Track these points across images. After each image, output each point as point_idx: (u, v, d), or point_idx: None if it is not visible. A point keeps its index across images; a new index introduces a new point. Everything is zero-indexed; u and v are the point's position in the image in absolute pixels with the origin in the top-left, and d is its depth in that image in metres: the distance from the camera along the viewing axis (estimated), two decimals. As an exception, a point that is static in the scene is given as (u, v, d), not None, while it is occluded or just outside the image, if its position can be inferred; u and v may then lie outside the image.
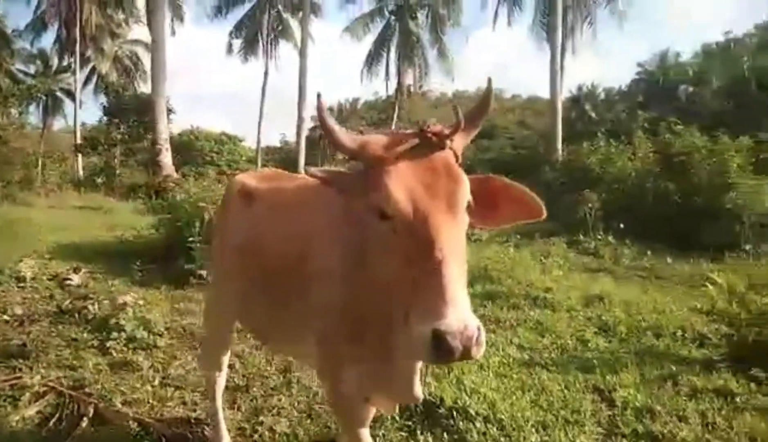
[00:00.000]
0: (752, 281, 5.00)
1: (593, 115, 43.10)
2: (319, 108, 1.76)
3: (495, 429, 3.54)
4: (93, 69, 36.74)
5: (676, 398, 3.94)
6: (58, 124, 41.39)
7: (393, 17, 31.51)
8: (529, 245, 9.95)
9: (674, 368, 4.46)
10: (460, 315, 1.44)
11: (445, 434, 3.46)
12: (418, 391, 2.15)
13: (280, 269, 2.35)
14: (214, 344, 3.49)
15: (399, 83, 31.61)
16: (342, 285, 2.05)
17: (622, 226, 10.94)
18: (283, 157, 42.63)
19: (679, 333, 5.44)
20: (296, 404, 4.01)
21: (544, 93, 27.89)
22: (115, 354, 4.82)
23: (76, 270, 7.08)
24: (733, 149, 11.23)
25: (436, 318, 1.43)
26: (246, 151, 35.27)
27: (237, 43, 33.30)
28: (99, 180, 21.83)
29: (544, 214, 1.83)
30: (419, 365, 2.11)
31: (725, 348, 4.73)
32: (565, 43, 22.88)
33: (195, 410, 3.96)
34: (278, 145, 46.28)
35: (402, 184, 1.61)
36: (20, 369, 4.39)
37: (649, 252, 9.99)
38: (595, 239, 10.83)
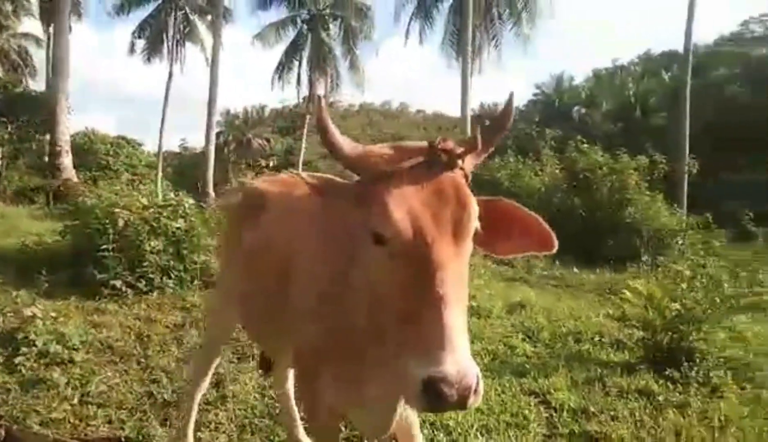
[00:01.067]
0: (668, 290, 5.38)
1: (494, 132, 45.08)
2: (319, 110, 1.61)
3: (442, 435, 3.59)
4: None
5: (605, 399, 4.18)
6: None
7: (305, 26, 31.38)
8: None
9: (600, 371, 4.72)
10: (458, 362, 1.30)
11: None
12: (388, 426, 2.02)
13: (272, 277, 2.27)
14: (211, 349, 3.46)
15: (310, 93, 31.42)
16: (321, 299, 1.95)
17: (532, 237, 11.42)
18: (184, 163, 41.09)
19: (597, 338, 5.78)
20: (234, 417, 3.86)
21: (448, 110, 28.87)
22: (24, 371, 4.41)
23: (-31, 280, 6.43)
24: (632, 168, 12.14)
25: (431, 363, 1.30)
26: (145, 156, 33.63)
27: (140, 43, 31.86)
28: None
29: (556, 247, 1.66)
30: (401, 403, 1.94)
31: (642, 351, 5.06)
32: (473, 62, 23.74)
33: (123, 429, 3.71)
34: (177, 150, 44.41)
35: (404, 206, 1.44)
36: None
37: (557, 262, 10.54)
38: (508, 250, 11.20)
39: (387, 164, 1.53)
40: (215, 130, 28.77)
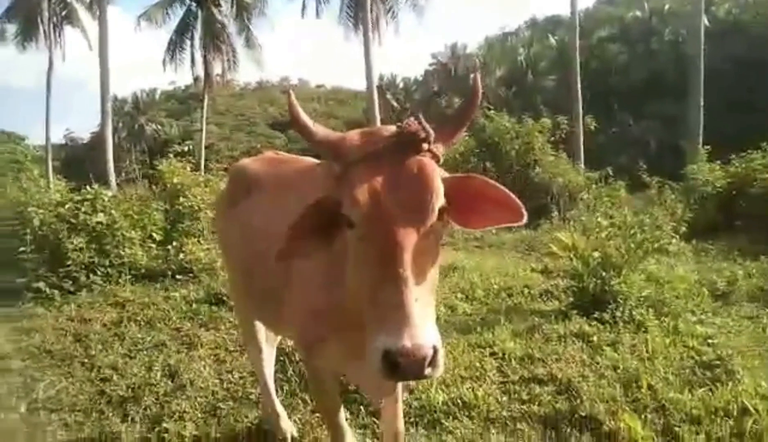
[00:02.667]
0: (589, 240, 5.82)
1: (395, 104, 45.67)
2: (291, 104, 1.70)
3: (405, 393, 3.77)
4: None
5: (547, 344, 4.53)
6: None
7: (194, 4, 30.02)
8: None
9: (536, 320, 5.08)
10: (414, 336, 1.39)
11: (361, 407, 3.60)
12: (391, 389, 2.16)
13: (269, 255, 2.31)
14: (244, 325, 3.53)
15: (206, 73, 30.22)
16: (316, 276, 2.05)
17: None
18: (71, 155, 38.55)
19: (527, 291, 6.18)
20: (197, 405, 3.85)
21: (348, 83, 28.79)
22: (-41, 386, 4.18)
23: None
24: (536, 130, 12.81)
25: (388, 337, 1.40)
26: (30, 150, 31.28)
27: (11, 28, 29.21)
28: None
29: (525, 218, 1.70)
30: None
31: (571, 298, 5.48)
32: (372, 34, 23.78)
33: (83, 430, 3.63)
34: (63, 142, 41.49)
35: (368, 190, 1.53)
36: None
37: (475, 225, 10.96)
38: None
39: (358, 150, 1.62)
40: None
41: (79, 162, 32.69)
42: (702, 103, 20.17)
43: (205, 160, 29.93)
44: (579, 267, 5.41)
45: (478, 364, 4.22)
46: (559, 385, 3.86)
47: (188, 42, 30.18)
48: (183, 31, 30.22)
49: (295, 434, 3.40)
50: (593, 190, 11.99)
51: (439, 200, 1.58)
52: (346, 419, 3.45)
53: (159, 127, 47.69)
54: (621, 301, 5.06)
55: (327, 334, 2.11)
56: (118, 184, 23.69)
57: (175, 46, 30.40)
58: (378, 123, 19.90)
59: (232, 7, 30.40)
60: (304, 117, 1.70)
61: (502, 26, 53.72)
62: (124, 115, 45.55)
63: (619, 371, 4.02)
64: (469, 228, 1.84)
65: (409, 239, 1.49)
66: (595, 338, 4.57)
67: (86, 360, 4.66)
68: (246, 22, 30.04)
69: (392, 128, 1.67)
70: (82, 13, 30.16)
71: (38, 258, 6.22)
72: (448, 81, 46.56)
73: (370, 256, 1.52)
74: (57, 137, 40.63)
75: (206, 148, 33.59)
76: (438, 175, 1.61)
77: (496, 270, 7.16)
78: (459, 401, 3.68)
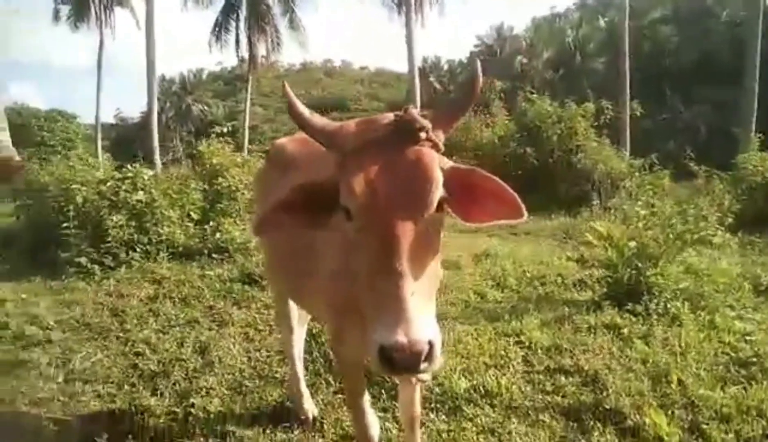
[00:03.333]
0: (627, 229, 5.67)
1: (438, 86, 45.26)
2: (287, 94, 1.69)
3: (429, 378, 3.77)
4: None
5: (576, 335, 4.45)
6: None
7: (241, -16, 30.30)
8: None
9: (567, 310, 4.99)
10: (410, 330, 1.37)
11: (382, 391, 3.61)
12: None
13: (302, 236, 2.29)
14: (278, 305, 3.62)
15: (251, 54, 30.53)
16: (334, 261, 2.04)
17: (487, 189, 11.68)
18: (121, 134, 39.52)
19: (560, 280, 6.07)
20: (224, 382, 3.94)
21: (391, 65, 28.75)
22: (2, 354, 4.38)
23: None
24: (579, 115, 12.48)
25: (384, 332, 1.39)
26: (82, 129, 32.25)
27: (65, 9, 30.07)
28: None
29: (525, 216, 1.69)
30: None
31: (604, 289, 5.36)
32: (416, 16, 23.54)
33: (114, 402, 3.75)
34: (113, 122, 42.56)
35: (366, 180, 1.50)
36: None
37: (514, 211, 10.81)
38: (467, 202, 11.46)
39: (356, 140, 1.60)
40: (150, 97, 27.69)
41: (128, 141, 33.45)
42: (756, 89, 19.27)
43: (249, 141, 30.48)
44: (614, 257, 5.27)
45: (503, 352, 4.19)
46: (585, 377, 3.79)
47: (234, 23, 30.58)
48: (229, 11, 30.60)
49: (317, 415, 3.45)
50: (636, 178, 11.65)
51: (438, 191, 1.55)
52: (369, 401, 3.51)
53: (205, 107, 48.38)
54: (656, 293, 4.92)
55: (350, 321, 2.12)
56: (164, 163, 24.30)
57: (220, 27, 30.83)
58: (418, 106, 19.79)
59: (276, -13, 30.59)
60: (301, 107, 1.68)
61: (551, 6, 52.29)
62: (172, 95, 46.34)
63: (648, 364, 3.92)
64: (468, 222, 1.77)
65: (407, 230, 1.47)
66: (626, 330, 4.47)
67: (121, 334, 4.82)
68: (290, 3, 30.19)
69: (391, 117, 1.64)
70: (131, -7, 30.76)
71: (81, 234, 6.42)
72: (492, 63, 45.85)
73: (367, 248, 1.50)
74: (109, 117, 41.80)
75: (250, 129, 34.08)
76: (437, 166, 1.57)
77: (530, 258, 7.06)
78: (481, 388, 3.66)
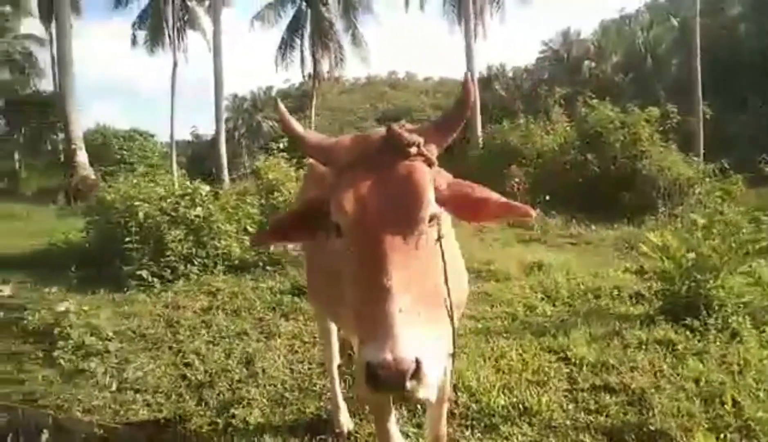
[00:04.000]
0: (685, 239, 5.39)
1: (503, 93, 44.64)
2: (281, 113, 1.71)
3: (465, 396, 3.71)
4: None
5: (624, 351, 4.25)
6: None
7: (304, 3, 31.06)
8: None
9: (618, 325, 4.78)
10: (395, 349, 1.34)
11: (418, 407, 3.57)
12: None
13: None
14: (318, 320, 3.73)
15: (315, 70, 31.24)
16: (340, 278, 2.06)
17: (547, 197, 11.48)
18: (196, 151, 41.23)
19: (616, 292, 5.83)
20: (265, 393, 4.00)
21: (456, 74, 28.71)
22: (63, 363, 4.62)
23: (4, 282, 6.66)
24: (643, 120, 12.00)
25: (370, 349, 1.37)
26: (158, 147, 33.82)
27: (141, 34, 31.77)
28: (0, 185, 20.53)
29: (534, 214, 1.73)
30: None
31: (660, 303, 5.11)
32: (476, 25, 23.40)
33: (161, 411, 3.89)
34: (189, 139, 44.50)
35: (355, 197, 1.50)
36: (-40, 390, 4.15)
37: (574, 220, 10.55)
38: (525, 212, 11.21)
39: (348, 156, 1.60)
40: (224, 115, 28.81)
41: (201, 158, 34.85)
42: None
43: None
44: (671, 269, 5.02)
45: (547, 368, 4.06)
46: (631, 395, 3.62)
47: (298, 40, 31.37)
48: (293, 29, 31.42)
49: (351, 429, 3.45)
50: (706, 184, 11.07)
51: (429, 207, 1.53)
52: (402, 418, 3.48)
53: (275, 123, 49.67)
54: (716, 307, 4.64)
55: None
56: (232, 179, 25.10)
57: (286, 45, 31.70)
58: (478, 116, 19.63)
59: (339, 4, 31.19)
60: (295, 124, 1.71)
61: (620, 9, 50.55)
62: (243, 113, 47.91)
63: (701, 383, 3.70)
64: (475, 222, 1.79)
65: (396, 247, 1.46)
66: (680, 347, 4.24)
67: (174, 345, 5.00)
68: (352, 18, 30.72)
69: (382, 133, 1.63)
70: (203, 17, 32.16)
71: (142, 248, 6.73)
72: (559, 69, 44.88)
73: (356, 264, 1.51)
74: (186, 134, 43.77)
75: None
76: (427, 181, 1.55)
77: (586, 269, 6.82)
78: (521, 406, 3.56)
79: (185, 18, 32.14)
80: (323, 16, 30.75)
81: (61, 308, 5.28)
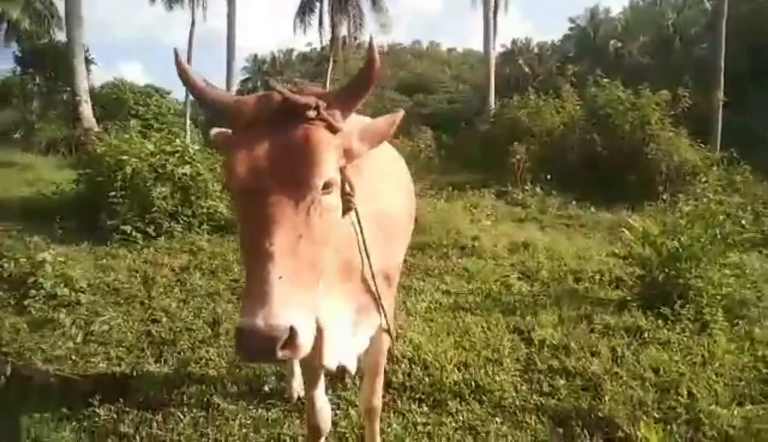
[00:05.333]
0: (666, 227, 5.26)
1: (527, 69, 43.88)
2: (179, 65, 1.62)
3: (419, 369, 3.68)
4: (2, 15, 33.91)
5: (589, 336, 4.19)
6: None
7: (325, -36, 30.53)
8: (460, 197, 10.11)
9: (590, 309, 4.70)
10: (268, 315, 1.29)
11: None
12: (327, 359, 2.00)
13: None
14: None
15: (333, 35, 30.82)
16: None
17: (549, 177, 11.29)
18: (214, 111, 41.19)
19: (598, 277, 5.73)
20: (224, 354, 4.00)
21: (480, 46, 28.20)
22: (34, 313, 4.66)
23: (-11, 228, 6.72)
24: (654, 103, 11.69)
25: (244, 314, 1.32)
26: (174, 104, 33.78)
27: (160, -10, 31.44)
28: (16, 135, 20.60)
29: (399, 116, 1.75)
30: (330, 332, 1.95)
31: (638, 289, 5.01)
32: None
33: (119, 365, 3.91)
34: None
35: (245, 158, 1.44)
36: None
37: (574, 202, 10.38)
38: (523, 189, 11.14)
39: (245, 116, 1.52)
40: (241, 76, 28.61)
41: (219, 117, 34.74)
42: None
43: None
44: (650, 255, 4.91)
45: (507, 348, 4.01)
46: (586, 381, 3.57)
47: (318, 3, 30.94)
48: (313, -9, 30.95)
49: (301, 396, 3.44)
50: (712, 172, 10.80)
51: (324, 174, 1.46)
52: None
53: (292, 86, 49.28)
54: (692, 297, 4.54)
55: None
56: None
57: (305, 8, 31.28)
58: (491, 90, 19.30)
59: (361, -32, 30.59)
60: (194, 77, 1.63)
61: (652, -13, 49.02)
62: (263, 74, 47.60)
63: (660, 373, 3.63)
64: None
65: (283, 213, 1.40)
66: (647, 335, 4.16)
67: (146, 301, 5.01)
68: (373, -17, 30.12)
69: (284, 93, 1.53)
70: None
71: (128, 203, 6.72)
72: (585, 46, 43.96)
73: (243, 227, 1.48)
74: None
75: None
76: (327, 147, 1.49)
77: (574, 252, 6.70)
78: (473, 383, 3.53)
79: (203, -27, 31.72)
80: (343, -21, 30.19)
81: (40, 257, 5.29)
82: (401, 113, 1.76)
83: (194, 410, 3.35)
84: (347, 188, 1.63)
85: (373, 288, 2.06)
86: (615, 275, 5.76)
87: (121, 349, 4.13)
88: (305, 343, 1.38)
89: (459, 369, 3.69)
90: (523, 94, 16.08)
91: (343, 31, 30.94)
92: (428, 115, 33.29)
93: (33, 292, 4.86)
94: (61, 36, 30.40)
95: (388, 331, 2.33)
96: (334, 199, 1.54)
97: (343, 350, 2.11)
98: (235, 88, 25.11)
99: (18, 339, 4.25)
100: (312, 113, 1.48)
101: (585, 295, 5.20)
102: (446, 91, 50.16)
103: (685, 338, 4.11)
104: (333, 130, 1.52)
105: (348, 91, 1.62)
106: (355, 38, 33.71)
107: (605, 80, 12.46)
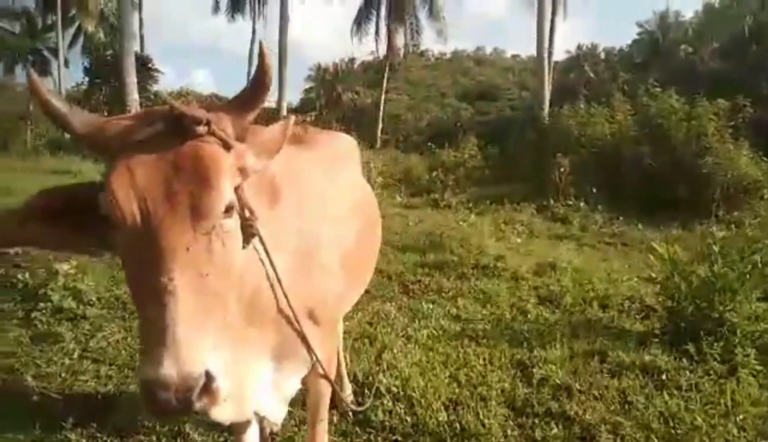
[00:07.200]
0: (705, 251, 4.78)
1: (592, 75, 42.56)
2: (34, 86, 1.35)
3: (403, 407, 3.41)
4: (80, 28, 35.74)
5: (598, 376, 3.80)
6: (46, 84, 40.30)
7: (384, -25, 30.60)
8: (496, 211, 9.73)
9: (607, 343, 4.30)
10: (179, 361, 1.13)
11: (349, 413, 3.32)
12: (216, 413, 1.65)
13: None
14: None
15: (390, 43, 30.82)
16: None
17: (594, 190, 10.70)
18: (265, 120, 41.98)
19: (627, 304, 5.30)
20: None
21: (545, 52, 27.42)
22: (39, 325, 4.67)
23: (18, 237, 6.85)
24: (711, 113, 10.91)
25: (147, 363, 1.15)
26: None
27: (223, 1, 32.43)
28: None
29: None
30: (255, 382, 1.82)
31: (665, 321, 4.56)
32: (557, 2, 22.14)
33: (106, 385, 3.84)
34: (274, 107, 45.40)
35: (129, 185, 1.24)
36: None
37: (620, 218, 9.78)
38: (565, 204, 10.61)
39: (122, 138, 1.31)
40: (305, 85, 28.78)
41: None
42: None
43: (383, 130, 30.88)
44: (681, 284, 4.45)
45: (507, 386, 3.68)
46: (584, 429, 3.21)
47: (374, 12, 31.03)
48: (370, 1, 31.06)
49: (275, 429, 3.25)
50: (770, 189, 9.95)
51: (223, 196, 1.29)
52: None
53: (355, 95, 49.63)
54: (725, 333, 4.08)
55: None
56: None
57: (362, 16, 31.46)
58: (546, 97, 18.70)
59: (418, -23, 30.48)
60: (55, 101, 1.34)
61: (727, -10, 46.62)
62: (326, 83, 48.12)
63: (671, 424, 3.23)
64: None
65: (180, 243, 1.22)
66: (665, 376, 3.74)
67: (150, 316, 4.94)
68: (431, -9, 29.94)
69: (165, 110, 1.36)
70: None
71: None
72: (654, 52, 42.28)
73: (136, 263, 1.26)
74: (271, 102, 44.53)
75: (393, 117, 34.36)
76: (223, 166, 1.31)
77: (605, 274, 6.24)
78: (457, 425, 3.24)
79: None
80: (400, -13, 30.15)
81: (55, 269, 5.34)
82: (292, 119, 1.60)
83: (163, 439, 3.21)
84: (246, 213, 1.44)
85: (296, 326, 1.85)
86: (646, 303, 5.30)
87: (113, 367, 4.06)
88: (223, 388, 1.22)
89: (447, 408, 3.41)
90: (573, 102, 15.46)
91: (400, 39, 30.93)
92: (488, 123, 32.84)
93: (41, 304, 4.89)
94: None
95: (324, 375, 2.13)
96: (234, 223, 1.37)
97: (257, 400, 1.91)
98: (298, 96, 25.27)
99: (18, 353, 4.25)
100: (202, 129, 1.30)
101: (608, 325, 4.79)
102: (509, 98, 49.47)
103: (708, 383, 3.66)
104: (227, 147, 1.35)
105: (238, 103, 1.44)
106: (415, 46, 33.71)
107: (657, 88, 11.76)
